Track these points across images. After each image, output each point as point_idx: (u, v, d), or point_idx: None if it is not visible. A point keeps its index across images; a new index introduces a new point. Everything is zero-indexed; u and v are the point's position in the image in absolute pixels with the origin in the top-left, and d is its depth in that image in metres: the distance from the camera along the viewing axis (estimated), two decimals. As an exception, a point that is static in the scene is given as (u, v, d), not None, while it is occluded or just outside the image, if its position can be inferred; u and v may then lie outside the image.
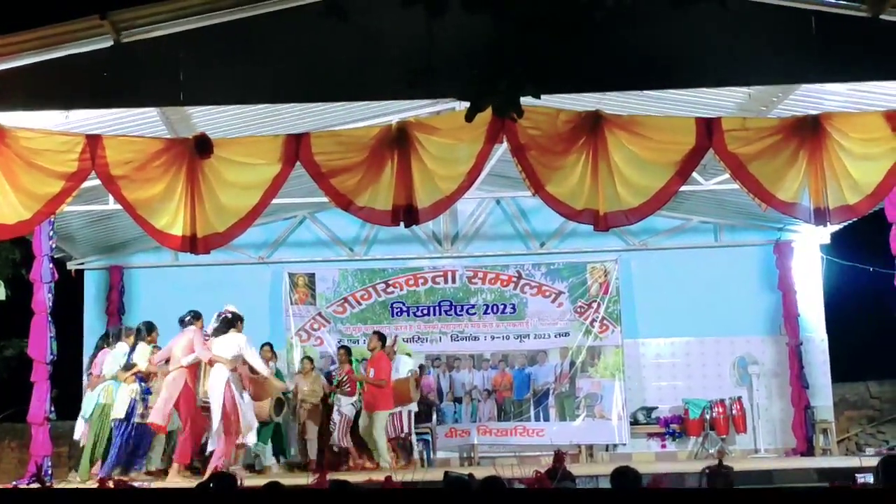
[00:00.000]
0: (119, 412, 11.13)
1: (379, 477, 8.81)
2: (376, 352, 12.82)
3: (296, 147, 9.52)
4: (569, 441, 14.05)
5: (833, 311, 14.95)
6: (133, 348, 11.52)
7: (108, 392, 11.34)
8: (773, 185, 9.65)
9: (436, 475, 8.67)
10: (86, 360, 12.59)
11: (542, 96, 5.28)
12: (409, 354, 13.94)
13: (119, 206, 10.00)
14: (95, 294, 14.98)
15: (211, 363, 11.13)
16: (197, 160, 9.45)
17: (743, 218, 14.68)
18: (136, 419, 11.12)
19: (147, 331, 11.63)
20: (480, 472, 7.27)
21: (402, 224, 9.81)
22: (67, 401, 12.59)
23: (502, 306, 14.84)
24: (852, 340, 15.03)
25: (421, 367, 14.05)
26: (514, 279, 14.87)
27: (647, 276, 14.92)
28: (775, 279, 14.76)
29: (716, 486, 6.76)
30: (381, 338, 13.03)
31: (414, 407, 13.20)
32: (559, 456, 7.78)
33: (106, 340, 12.08)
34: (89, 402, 11.54)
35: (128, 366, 11.36)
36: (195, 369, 11.21)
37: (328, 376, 13.55)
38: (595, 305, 14.69)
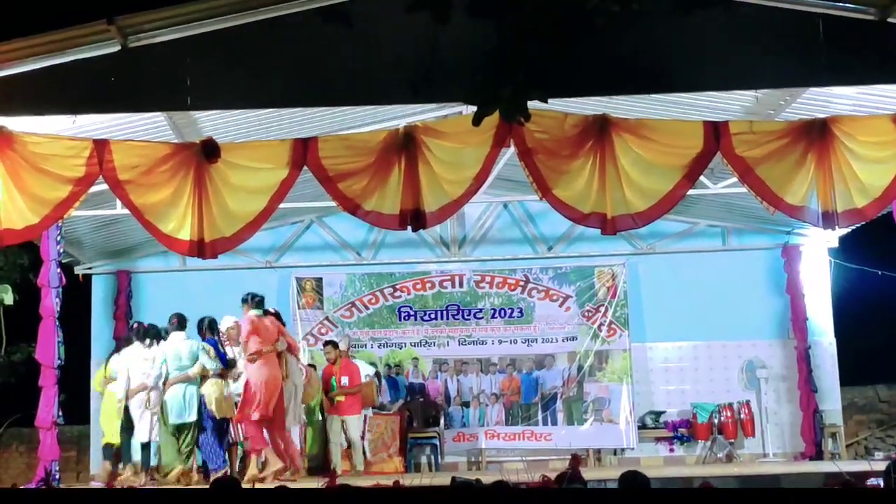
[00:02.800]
0: (223, 410, 10.92)
1: (387, 482, 8.81)
2: (342, 359, 12.72)
3: (303, 151, 9.52)
4: (577, 445, 14.04)
5: (841, 315, 14.91)
6: (217, 343, 11.29)
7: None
8: (781, 189, 9.62)
9: (443, 480, 8.65)
10: (101, 362, 12.37)
11: (549, 100, 5.26)
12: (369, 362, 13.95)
13: (126, 211, 10.01)
14: (103, 299, 15.01)
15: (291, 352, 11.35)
16: (204, 165, 9.45)
17: (751, 221, 14.65)
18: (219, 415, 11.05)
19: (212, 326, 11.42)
20: (488, 477, 7.25)
21: (409, 228, 9.81)
22: (75, 405, 12.60)
23: (510, 310, 14.85)
24: (861, 344, 15.00)
25: (377, 374, 13.86)
26: (522, 283, 14.87)
27: (655, 279, 14.90)
28: (783, 283, 14.74)
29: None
30: (336, 346, 12.95)
31: (370, 412, 13.22)
32: (576, 459, 7.74)
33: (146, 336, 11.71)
34: (189, 400, 11.06)
35: (228, 362, 11.19)
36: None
37: None
38: (603, 309, 14.69)
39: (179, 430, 11.07)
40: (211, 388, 10.99)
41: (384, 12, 8.23)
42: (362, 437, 12.86)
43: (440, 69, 5.13)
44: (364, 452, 12.74)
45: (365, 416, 13.04)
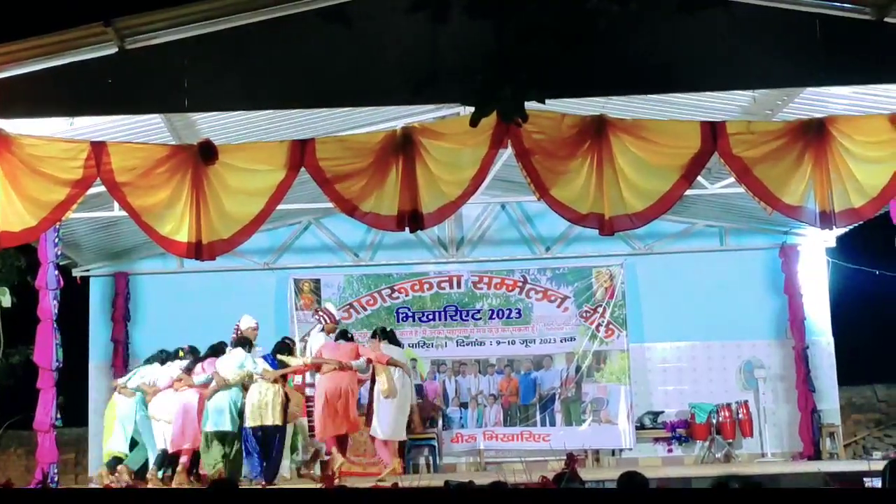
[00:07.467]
0: (274, 418, 10.91)
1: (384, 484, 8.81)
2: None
3: (301, 153, 9.52)
4: (575, 446, 14.03)
5: (839, 315, 14.90)
6: (274, 354, 11.46)
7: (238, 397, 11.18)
8: (778, 189, 9.64)
9: (441, 481, 8.65)
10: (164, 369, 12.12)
11: (547, 101, 5.26)
12: None
13: (124, 213, 10.02)
14: (101, 301, 14.97)
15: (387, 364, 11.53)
16: (202, 166, 9.45)
17: (748, 222, 14.66)
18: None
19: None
20: (486, 478, 7.25)
21: (407, 229, 9.81)
22: (73, 408, 12.59)
23: (508, 311, 14.84)
24: (859, 344, 15.00)
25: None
26: (520, 284, 14.86)
27: (653, 280, 14.90)
28: (781, 283, 14.74)
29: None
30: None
31: None
32: (573, 459, 7.76)
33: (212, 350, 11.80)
34: (229, 408, 11.08)
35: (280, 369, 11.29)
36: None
37: None
38: (601, 310, 14.68)
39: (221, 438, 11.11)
40: (249, 396, 11.10)
41: (383, 13, 8.24)
42: None
43: (440, 70, 5.14)
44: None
45: None
